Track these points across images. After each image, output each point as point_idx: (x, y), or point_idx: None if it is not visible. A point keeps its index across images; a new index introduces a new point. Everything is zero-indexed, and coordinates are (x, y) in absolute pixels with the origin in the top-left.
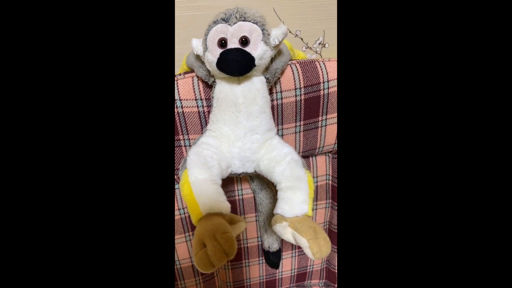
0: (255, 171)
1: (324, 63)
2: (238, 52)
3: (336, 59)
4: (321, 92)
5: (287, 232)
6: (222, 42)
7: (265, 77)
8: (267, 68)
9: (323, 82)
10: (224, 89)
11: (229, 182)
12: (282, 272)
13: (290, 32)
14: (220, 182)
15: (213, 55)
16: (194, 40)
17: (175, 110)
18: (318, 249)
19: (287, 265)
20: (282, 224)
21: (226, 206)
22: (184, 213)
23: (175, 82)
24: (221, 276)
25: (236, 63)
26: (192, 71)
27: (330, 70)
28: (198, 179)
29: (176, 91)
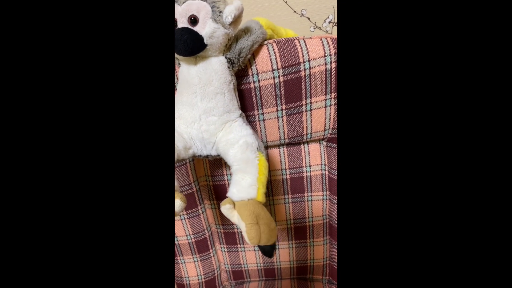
0: (217, 153)
1: (304, 41)
2: (183, 31)
3: (320, 37)
4: (302, 73)
5: (233, 215)
6: (174, 23)
7: (226, 58)
8: (229, 48)
9: (303, 62)
10: (183, 70)
11: (217, 167)
12: (280, 262)
13: (295, 12)
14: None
15: None
16: None
17: None
18: (255, 234)
19: (285, 256)
20: (226, 207)
21: None
22: None
23: None
24: (219, 257)
25: (182, 43)
26: None
27: (311, 49)
28: None
29: None
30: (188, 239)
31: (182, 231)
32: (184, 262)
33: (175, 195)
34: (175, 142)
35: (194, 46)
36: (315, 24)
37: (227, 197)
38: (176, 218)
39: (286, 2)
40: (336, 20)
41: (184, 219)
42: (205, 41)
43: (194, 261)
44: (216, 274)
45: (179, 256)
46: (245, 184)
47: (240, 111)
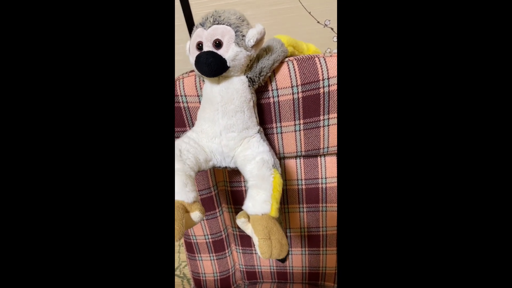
0: (235, 166)
1: (324, 59)
2: (208, 55)
3: None
4: (321, 90)
5: (248, 228)
6: (199, 45)
7: (247, 77)
8: (250, 68)
9: (323, 80)
10: (207, 87)
11: (235, 174)
12: (292, 267)
13: (318, 22)
14: (192, 173)
15: (192, 58)
16: (188, 42)
17: (181, 105)
18: (266, 249)
19: (298, 261)
20: (241, 220)
21: (188, 196)
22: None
23: (181, 80)
24: (234, 257)
25: (206, 65)
26: None
27: (331, 67)
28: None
29: (182, 87)
30: (205, 239)
31: (201, 231)
32: (202, 260)
33: (196, 207)
34: (195, 156)
35: (218, 68)
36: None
37: (242, 209)
38: None
39: (310, 13)
40: None
41: (203, 220)
42: (228, 64)
43: (211, 259)
44: (230, 273)
45: (197, 253)
46: (259, 199)
47: (258, 127)
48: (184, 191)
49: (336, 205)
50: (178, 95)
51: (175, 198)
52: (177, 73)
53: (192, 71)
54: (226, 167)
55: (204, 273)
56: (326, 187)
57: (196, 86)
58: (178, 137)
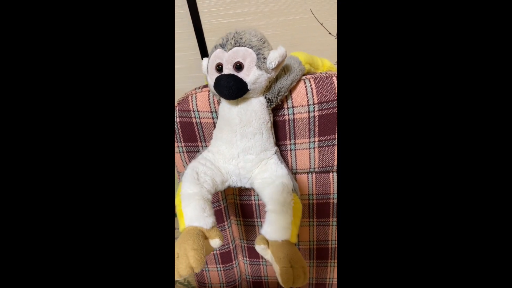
0: (251, 186)
1: None
2: (229, 78)
3: None
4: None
5: (267, 254)
6: (219, 67)
7: (265, 98)
8: (269, 88)
9: None
10: (224, 108)
11: (246, 188)
12: None
13: (330, 33)
14: (209, 197)
15: (211, 79)
16: (204, 59)
17: (194, 120)
18: (287, 278)
19: None
20: (261, 247)
21: (206, 222)
22: None
23: (194, 95)
24: (241, 268)
25: (227, 89)
26: None
27: None
28: (187, 193)
29: (194, 102)
30: (214, 251)
31: None
32: (208, 270)
33: (215, 234)
34: (212, 178)
35: (239, 92)
36: None
37: (260, 234)
38: None
39: (322, 24)
40: None
41: None
42: (249, 87)
43: (218, 270)
44: (237, 283)
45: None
46: (279, 225)
47: (276, 148)
48: (202, 217)
49: None
50: (190, 110)
51: (193, 224)
52: (179, 80)
53: (205, 86)
54: (240, 187)
55: (211, 284)
56: (337, 202)
57: (209, 102)
58: (189, 151)
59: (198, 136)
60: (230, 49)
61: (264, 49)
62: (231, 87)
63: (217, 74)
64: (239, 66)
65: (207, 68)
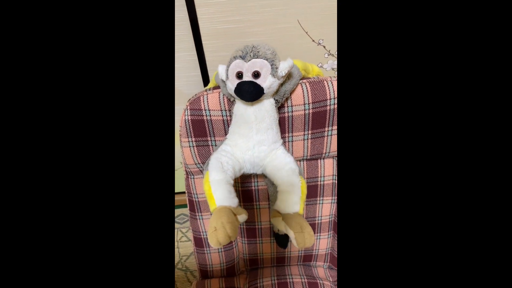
0: (262, 173)
1: (332, 83)
2: (250, 84)
3: None
4: (328, 107)
5: (281, 225)
6: (239, 75)
7: (274, 99)
8: (277, 91)
9: (330, 99)
10: (240, 108)
11: (248, 176)
12: (290, 251)
13: (313, 41)
14: (232, 182)
15: (232, 84)
16: (220, 66)
17: (205, 118)
18: (301, 240)
19: (295, 247)
20: (277, 219)
21: (233, 201)
22: (197, 198)
23: (206, 95)
24: (239, 248)
25: (248, 93)
26: (219, 86)
27: (336, 89)
28: (216, 179)
29: (206, 102)
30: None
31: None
32: (210, 253)
33: (241, 210)
34: (233, 166)
35: (257, 95)
36: (329, 52)
37: (274, 210)
38: (206, 216)
39: (307, 33)
40: None
41: (202, 219)
42: (265, 91)
43: (219, 252)
44: (235, 262)
45: (206, 247)
46: (291, 201)
47: (281, 140)
48: (230, 198)
49: (330, 198)
50: (202, 109)
51: (223, 204)
52: (178, 79)
53: (215, 88)
54: (252, 174)
55: (212, 264)
56: (324, 183)
57: (220, 102)
58: (199, 145)
59: (208, 132)
60: (249, 60)
61: (276, 60)
62: (252, 92)
63: (238, 81)
64: (257, 74)
65: (227, 74)
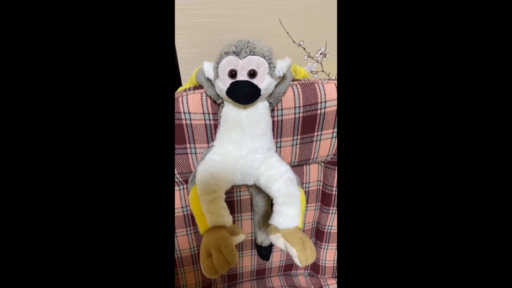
0: (254, 183)
1: (323, 85)
2: (246, 84)
3: (335, 82)
4: (318, 111)
5: (280, 242)
6: (232, 73)
7: (268, 102)
8: (270, 94)
9: (321, 102)
10: (231, 111)
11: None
12: (271, 263)
13: (293, 41)
14: (224, 196)
15: (223, 84)
16: (205, 63)
17: (183, 122)
18: (304, 258)
19: (277, 257)
20: (276, 235)
21: (228, 220)
22: (187, 211)
23: (185, 96)
24: None
25: (244, 94)
26: (200, 86)
27: (327, 92)
28: (206, 195)
29: (186, 104)
30: (191, 251)
31: (187, 245)
32: (184, 272)
33: (237, 230)
34: (225, 178)
35: (254, 97)
36: (309, 54)
37: (269, 224)
38: (182, 233)
39: (288, 33)
40: (326, 52)
41: (190, 233)
42: (262, 93)
43: (194, 271)
44: (212, 281)
45: (180, 267)
46: (290, 214)
47: (275, 146)
48: (224, 216)
49: (314, 204)
50: (181, 112)
51: (218, 224)
52: None
53: (196, 88)
54: (241, 184)
55: (186, 285)
56: (308, 190)
57: (202, 104)
58: (176, 154)
59: (187, 138)
60: (245, 57)
61: (273, 59)
62: (248, 93)
63: (231, 80)
64: (253, 73)
65: (217, 73)
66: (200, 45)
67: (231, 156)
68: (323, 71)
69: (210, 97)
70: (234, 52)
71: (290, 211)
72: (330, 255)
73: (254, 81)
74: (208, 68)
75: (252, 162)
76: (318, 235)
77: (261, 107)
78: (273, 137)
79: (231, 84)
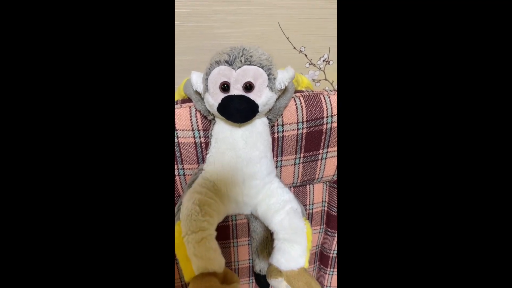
0: (251, 213)
1: (329, 97)
2: (241, 100)
3: None
4: (324, 126)
5: (282, 286)
6: (225, 86)
7: (267, 118)
8: (270, 109)
9: (327, 117)
10: (224, 130)
11: None
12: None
13: (294, 48)
14: (215, 233)
15: (214, 99)
16: (193, 73)
17: None
18: None
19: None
20: (277, 280)
21: (220, 264)
22: None
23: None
24: None
25: (238, 112)
26: (189, 99)
27: (334, 105)
28: (192, 235)
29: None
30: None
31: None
32: None
33: (231, 277)
34: (217, 209)
35: (251, 115)
36: (310, 61)
37: (270, 264)
38: None
39: (288, 38)
40: (330, 59)
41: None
42: (260, 109)
43: None
44: None
45: None
46: (294, 254)
47: (275, 169)
48: (214, 259)
49: (318, 227)
50: None
51: (207, 270)
52: None
53: (184, 101)
54: (236, 214)
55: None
56: (312, 212)
57: (191, 119)
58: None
59: (174, 158)
60: (239, 67)
61: (273, 69)
62: (243, 110)
63: (223, 94)
64: (249, 87)
65: (207, 85)
66: (192, 52)
67: (224, 182)
68: (326, 79)
69: (199, 111)
70: (226, 61)
71: (295, 250)
72: (335, 281)
73: (251, 95)
74: (196, 80)
75: (249, 189)
76: (322, 259)
77: (259, 125)
78: (273, 156)
79: (223, 100)
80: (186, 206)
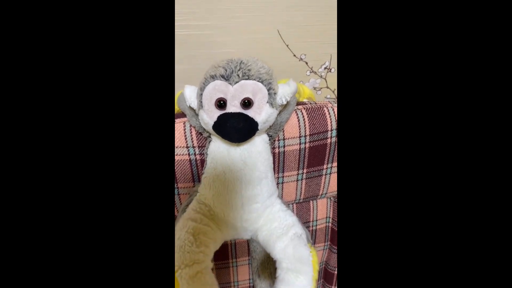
0: (251, 238)
1: (333, 109)
2: (239, 118)
3: None
4: (328, 140)
5: None
6: (221, 103)
7: (268, 135)
8: (270, 125)
9: (331, 130)
10: (220, 150)
11: None
12: None
13: (294, 55)
14: (211, 265)
15: (209, 117)
16: (187, 87)
17: None
18: None
19: None
20: None
21: None
22: None
23: None
24: None
25: (236, 131)
26: (183, 114)
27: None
28: (186, 269)
29: None
30: None
31: None
32: None
33: None
34: (213, 237)
35: (249, 134)
36: (311, 69)
37: None
38: None
39: (287, 46)
40: (331, 66)
41: None
42: (259, 127)
43: None
44: None
45: None
46: (300, 284)
47: (277, 190)
48: None
49: (322, 244)
50: None
51: None
52: None
53: (179, 116)
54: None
55: None
56: (316, 229)
57: (185, 135)
58: None
59: None
60: (236, 82)
61: (273, 83)
62: (241, 129)
63: (219, 112)
64: (247, 103)
65: (201, 101)
66: (187, 61)
67: (221, 207)
68: (327, 87)
69: (194, 127)
70: (222, 76)
71: (300, 281)
72: None
73: (249, 112)
74: (190, 95)
75: (249, 214)
76: (326, 277)
77: (258, 143)
78: (274, 172)
79: (219, 117)
80: (179, 236)
